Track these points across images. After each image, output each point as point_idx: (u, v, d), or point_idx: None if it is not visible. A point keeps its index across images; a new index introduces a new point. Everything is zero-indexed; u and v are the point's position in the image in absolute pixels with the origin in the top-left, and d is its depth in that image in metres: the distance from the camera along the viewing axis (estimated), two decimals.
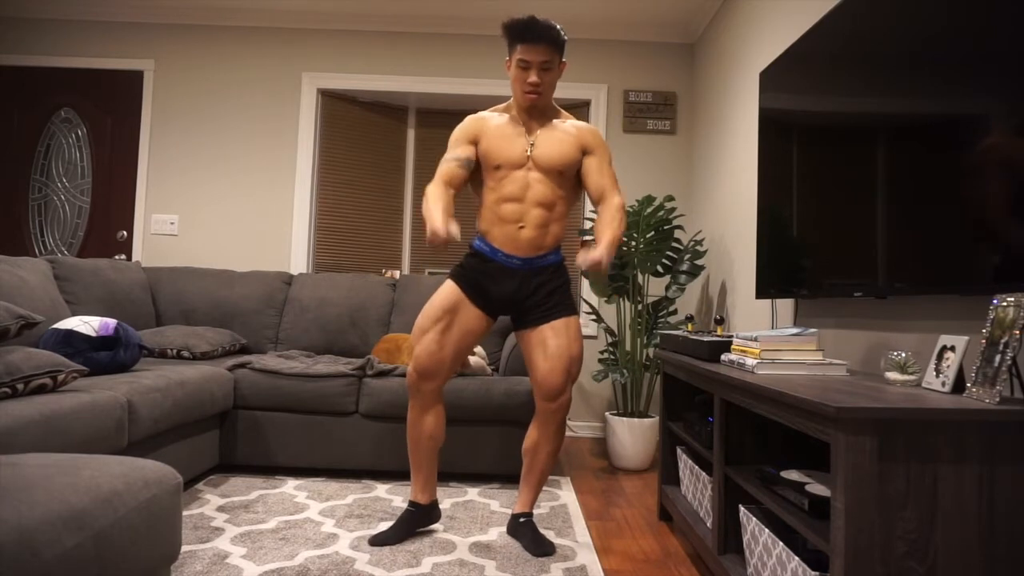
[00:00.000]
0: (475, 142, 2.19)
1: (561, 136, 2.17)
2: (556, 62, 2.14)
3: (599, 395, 4.13)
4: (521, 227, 2.12)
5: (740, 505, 1.75)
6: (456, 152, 2.18)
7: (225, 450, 2.87)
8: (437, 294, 2.17)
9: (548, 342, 2.12)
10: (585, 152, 2.19)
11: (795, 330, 1.77)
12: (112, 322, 2.48)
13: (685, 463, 2.32)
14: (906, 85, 1.61)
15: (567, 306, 2.17)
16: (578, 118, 4.12)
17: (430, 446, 2.19)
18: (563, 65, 2.18)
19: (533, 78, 2.10)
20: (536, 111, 2.19)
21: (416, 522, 2.20)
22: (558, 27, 2.11)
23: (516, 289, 2.14)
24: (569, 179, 2.18)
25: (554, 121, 2.21)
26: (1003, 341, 1.23)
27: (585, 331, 4.11)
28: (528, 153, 2.14)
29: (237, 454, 2.87)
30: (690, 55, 4.20)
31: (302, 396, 2.84)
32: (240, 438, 2.87)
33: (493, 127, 2.19)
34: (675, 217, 3.38)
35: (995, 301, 1.29)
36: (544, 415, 2.15)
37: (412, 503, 2.23)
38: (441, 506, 2.54)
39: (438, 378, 2.13)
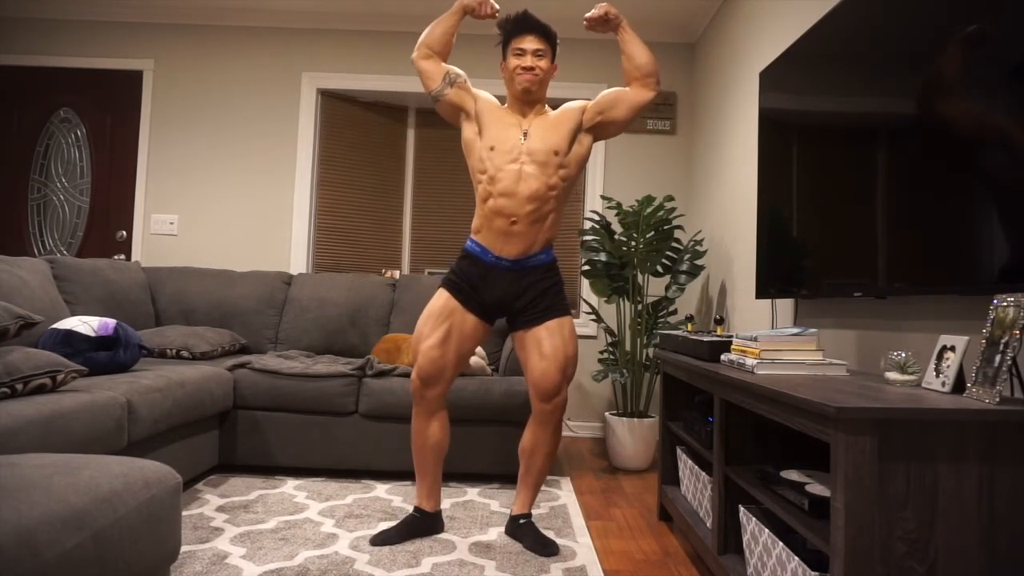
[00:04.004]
0: (475, 100, 2.22)
1: (552, 122, 2.18)
2: (549, 55, 2.17)
3: (599, 395, 4.13)
4: (514, 222, 2.12)
5: (740, 505, 1.75)
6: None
7: (225, 450, 2.87)
8: (432, 303, 2.17)
9: (543, 343, 2.12)
10: (589, 116, 2.19)
11: (795, 330, 1.77)
12: (111, 322, 2.47)
13: (685, 463, 2.32)
14: (906, 85, 1.61)
15: (560, 306, 2.17)
16: None
17: (435, 453, 2.19)
18: (554, 67, 2.20)
19: (528, 62, 2.13)
20: (529, 104, 2.20)
21: (419, 529, 2.20)
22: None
23: (506, 290, 2.14)
24: (563, 167, 2.16)
25: (545, 114, 2.22)
26: (1003, 341, 1.23)
27: (585, 331, 4.10)
28: (522, 142, 2.14)
29: (237, 454, 2.87)
30: (690, 55, 4.20)
31: (302, 396, 2.84)
32: (240, 438, 2.87)
33: (491, 105, 2.22)
34: (675, 217, 3.38)
35: (995, 301, 1.29)
36: (541, 416, 2.15)
37: (417, 508, 2.23)
38: (441, 506, 2.54)
39: (441, 384, 2.13)
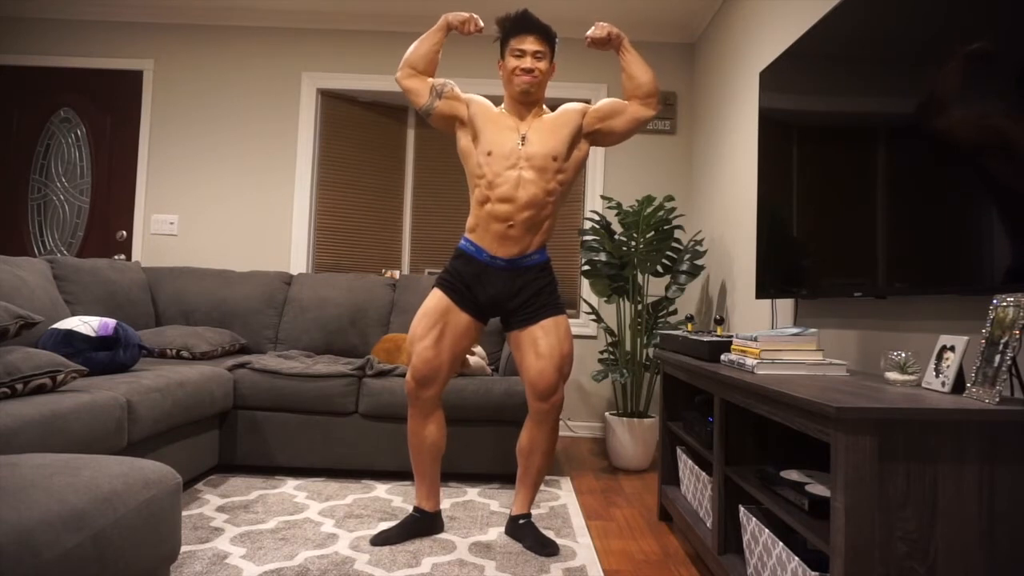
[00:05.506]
0: (467, 106, 2.21)
1: (550, 126, 2.18)
2: (548, 56, 2.17)
3: (599, 395, 4.13)
4: (511, 226, 2.12)
5: (740, 505, 1.75)
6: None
7: (225, 450, 2.87)
8: (426, 303, 2.17)
9: (539, 342, 2.12)
10: (589, 121, 2.19)
11: (795, 330, 1.77)
12: (111, 322, 2.47)
13: (685, 463, 2.32)
14: (906, 85, 1.61)
15: (555, 305, 2.17)
16: None
17: (433, 454, 2.19)
18: (553, 67, 2.20)
19: (527, 63, 2.13)
20: (527, 106, 2.19)
21: (420, 529, 2.20)
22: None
23: (500, 290, 2.14)
24: (561, 172, 2.16)
25: (543, 117, 2.22)
26: (1003, 341, 1.23)
27: (585, 331, 4.10)
28: (520, 146, 2.14)
29: (237, 454, 2.87)
30: (690, 55, 4.20)
31: (302, 396, 2.84)
32: (240, 438, 2.87)
33: (485, 108, 2.21)
34: (675, 217, 3.38)
35: (995, 301, 1.29)
36: (538, 415, 2.15)
37: (417, 508, 2.23)
38: (441, 506, 2.54)
39: (436, 384, 2.14)
